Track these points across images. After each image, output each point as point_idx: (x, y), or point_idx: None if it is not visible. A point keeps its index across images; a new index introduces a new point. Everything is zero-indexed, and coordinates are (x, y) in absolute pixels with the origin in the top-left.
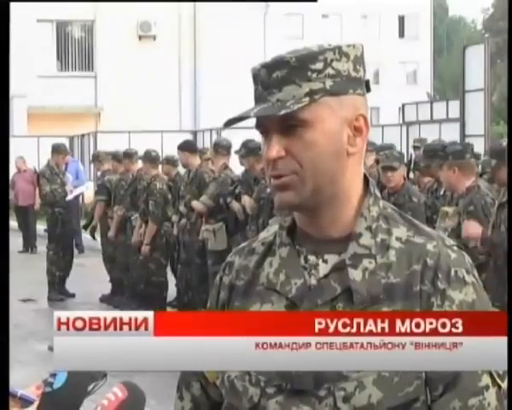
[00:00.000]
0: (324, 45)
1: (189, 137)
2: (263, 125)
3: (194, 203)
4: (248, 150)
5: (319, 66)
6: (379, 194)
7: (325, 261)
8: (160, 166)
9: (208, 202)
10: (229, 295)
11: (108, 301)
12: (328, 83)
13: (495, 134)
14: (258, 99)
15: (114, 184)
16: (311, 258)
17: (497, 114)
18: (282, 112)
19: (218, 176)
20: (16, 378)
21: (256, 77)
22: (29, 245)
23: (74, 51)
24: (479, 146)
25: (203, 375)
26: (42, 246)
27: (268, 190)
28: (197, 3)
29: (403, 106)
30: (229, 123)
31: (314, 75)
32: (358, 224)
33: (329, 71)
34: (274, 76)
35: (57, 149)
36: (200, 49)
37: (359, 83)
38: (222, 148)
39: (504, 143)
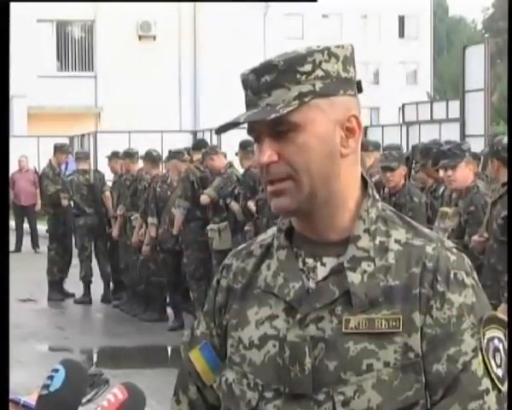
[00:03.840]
0: (312, 47)
1: (189, 137)
2: (255, 130)
3: (202, 197)
4: (240, 147)
5: (308, 68)
6: (377, 195)
7: (323, 264)
8: (160, 166)
9: (212, 193)
10: (227, 297)
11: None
12: (318, 85)
13: (499, 134)
14: (249, 104)
15: (75, 185)
16: (310, 261)
17: (497, 114)
18: (272, 116)
19: (223, 172)
20: (16, 379)
21: (245, 82)
22: (21, 245)
23: (74, 51)
24: (479, 146)
25: (200, 378)
26: (42, 246)
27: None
28: (197, 3)
29: (403, 106)
30: (221, 130)
31: (303, 78)
32: (357, 226)
33: (319, 72)
34: (263, 80)
35: (60, 149)
36: (200, 49)
37: (350, 83)
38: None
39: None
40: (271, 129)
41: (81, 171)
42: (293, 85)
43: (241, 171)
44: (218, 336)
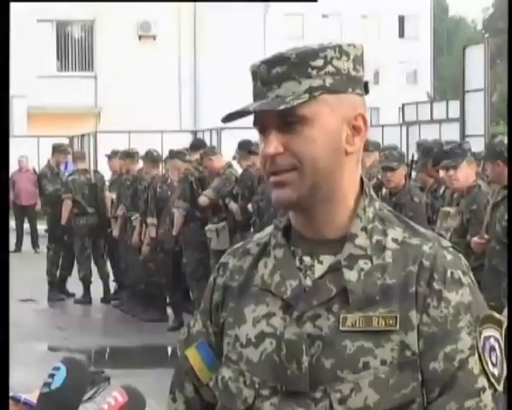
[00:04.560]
0: (325, 43)
1: (189, 137)
2: (261, 121)
3: (200, 198)
4: (238, 147)
5: (319, 63)
6: (374, 195)
7: (320, 262)
8: (160, 167)
9: (211, 194)
10: (223, 296)
11: (81, 301)
12: (328, 80)
13: (498, 134)
14: (257, 95)
15: (77, 184)
16: (307, 259)
17: (497, 114)
18: (282, 107)
19: (222, 173)
20: (16, 378)
21: (255, 73)
22: (21, 245)
23: (74, 51)
24: (479, 146)
25: (196, 376)
26: (42, 246)
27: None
28: (197, 3)
29: (403, 106)
30: (229, 118)
31: (314, 72)
32: (354, 224)
33: (329, 68)
34: (274, 72)
35: (58, 149)
36: (200, 49)
37: (359, 82)
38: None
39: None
40: (279, 121)
41: (81, 170)
42: (303, 79)
43: (239, 171)
44: (214, 335)
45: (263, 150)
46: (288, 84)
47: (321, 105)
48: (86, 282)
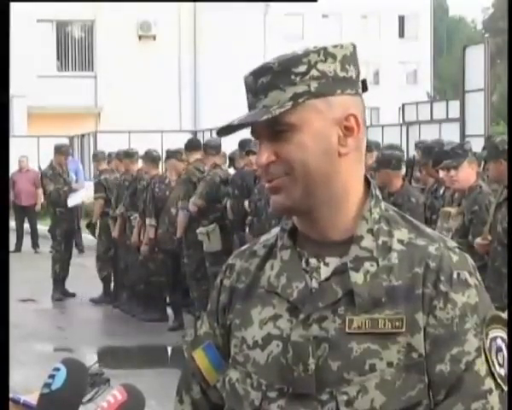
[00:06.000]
0: (309, 48)
1: (189, 137)
2: (255, 131)
3: (190, 207)
4: (238, 146)
5: (302, 69)
6: (380, 195)
7: (326, 264)
8: (159, 166)
9: (198, 201)
10: (230, 297)
11: (99, 301)
12: (313, 85)
13: (495, 134)
14: (249, 106)
15: (110, 183)
16: (313, 261)
17: (497, 114)
18: (264, 118)
19: (205, 175)
20: (16, 379)
21: (246, 85)
22: (21, 245)
23: (74, 51)
24: (479, 146)
25: (203, 378)
26: (43, 246)
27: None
28: (197, 3)
29: (403, 106)
30: (221, 132)
31: (298, 78)
32: (360, 226)
33: (314, 73)
34: (260, 82)
35: (60, 150)
36: (200, 49)
37: (349, 83)
38: (211, 148)
39: (498, 139)
40: (269, 130)
41: (109, 170)
42: (288, 87)
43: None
44: (221, 336)
45: (257, 160)
46: (274, 94)
47: (308, 110)
48: (107, 282)
